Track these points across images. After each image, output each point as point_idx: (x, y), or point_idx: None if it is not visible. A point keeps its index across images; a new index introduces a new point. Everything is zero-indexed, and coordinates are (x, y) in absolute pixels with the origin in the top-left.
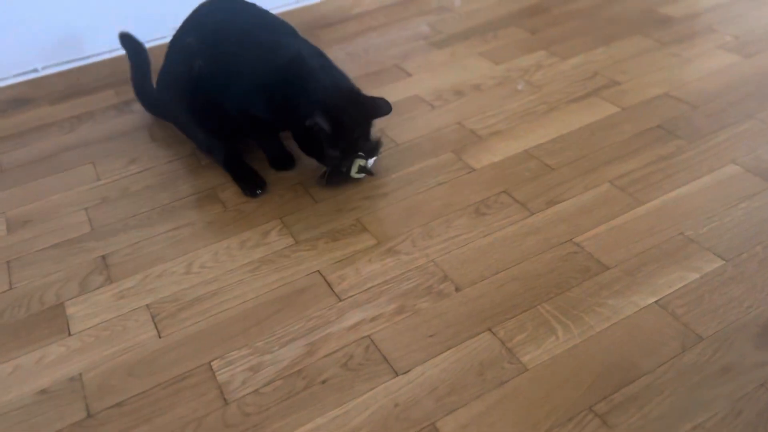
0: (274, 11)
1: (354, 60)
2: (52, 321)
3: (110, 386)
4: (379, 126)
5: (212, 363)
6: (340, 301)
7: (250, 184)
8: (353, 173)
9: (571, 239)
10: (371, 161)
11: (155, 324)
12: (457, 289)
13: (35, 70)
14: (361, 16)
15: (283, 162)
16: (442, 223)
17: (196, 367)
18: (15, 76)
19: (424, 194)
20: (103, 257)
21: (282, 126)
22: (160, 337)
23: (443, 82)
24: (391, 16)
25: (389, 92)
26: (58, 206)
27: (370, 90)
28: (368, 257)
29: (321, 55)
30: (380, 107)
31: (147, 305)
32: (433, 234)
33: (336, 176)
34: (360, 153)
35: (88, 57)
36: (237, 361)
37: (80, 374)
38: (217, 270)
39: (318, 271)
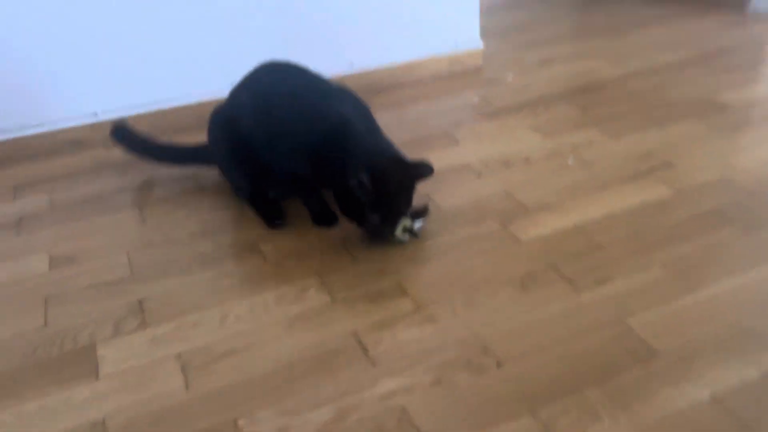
0: (329, 76)
1: (403, 125)
2: (83, 362)
3: None
4: (424, 191)
5: (238, 421)
6: (375, 366)
7: (270, 216)
8: (398, 234)
9: (620, 320)
10: (417, 224)
11: (184, 374)
12: (498, 365)
13: (95, 114)
14: (413, 84)
15: (326, 218)
16: (486, 293)
17: (221, 423)
18: (75, 119)
19: (468, 262)
20: (140, 301)
21: (324, 185)
22: (187, 389)
23: (491, 152)
24: (443, 86)
25: (436, 158)
26: (101, 247)
27: (417, 154)
28: (406, 322)
29: (367, 118)
30: (422, 170)
31: (178, 354)
32: (476, 304)
33: (378, 237)
34: (405, 215)
35: (144, 105)
36: (263, 421)
37: (104, 420)
38: (252, 323)
39: (354, 332)
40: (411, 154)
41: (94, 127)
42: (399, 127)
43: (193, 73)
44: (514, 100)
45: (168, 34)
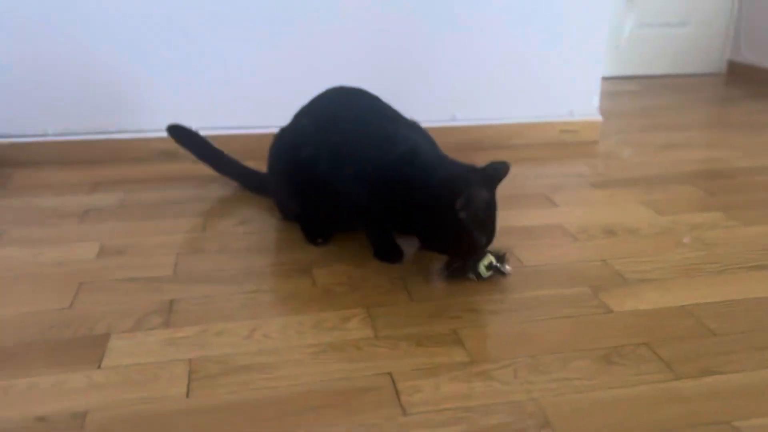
0: (427, 126)
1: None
2: (90, 349)
3: None
4: (506, 243)
5: None
6: (405, 414)
7: (313, 232)
8: (481, 268)
9: (728, 422)
10: (504, 266)
11: (189, 381)
12: None
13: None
14: (518, 147)
15: (390, 253)
16: (558, 360)
17: None
18: None
19: (544, 323)
20: (171, 301)
21: (393, 220)
22: (188, 397)
23: (593, 219)
24: (549, 152)
25: (528, 216)
26: (154, 246)
27: (507, 210)
28: (454, 374)
29: (435, 147)
30: (501, 170)
31: (190, 359)
32: (543, 369)
33: (460, 271)
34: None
35: (240, 128)
36: None
37: (86, 412)
38: (280, 343)
39: (389, 373)
40: (510, 209)
41: None
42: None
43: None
44: (628, 174)
45: (275, 69)
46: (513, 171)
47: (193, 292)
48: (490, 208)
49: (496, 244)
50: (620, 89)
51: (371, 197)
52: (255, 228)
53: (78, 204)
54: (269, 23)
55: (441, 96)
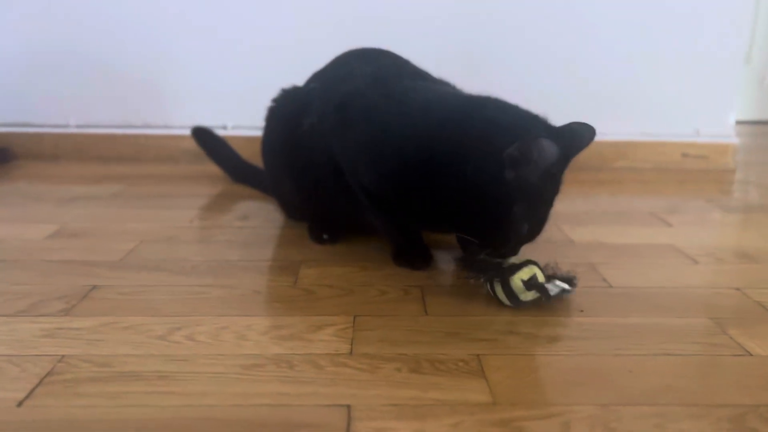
0: None
1: (601, 199)
2: None
3: None
4: (586, 258)
5: None
6: None
7: (318, 228)
8: (516, 282)
9: None
10: (556, 286)
11: (37, 385)
12: None
13: (224, 127)
14: (623, 170)
15: (413, 256)
16: (650, 417)
17: None
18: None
19: (630, 360)
20: (93, 287)
21: (417, 206)
22: (19, 406)
23: (722, 242)
24: (668, 173)
25: (625, 233)
26: (119, 233)
27: (609, 226)
28: (459, 419)
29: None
30: (581, 133)
31: (62, 356)
32: (620, 427)
33: (479, 269)
34: (533, 261)
35: None
36: None
37: None
38: (204, 348)
39: (348, 406)
40: (601, 225)
41: None
42: (595, 200)
43: None
44: None
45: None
46: (622, 187)
47: (129, 280)
48: (551, 182)
49: (564, 256)
50: (763, 140)
51: (389, 175)
52: (255, 223)
53: (68, 193)
54: (306, 24)
55: (532, 101)
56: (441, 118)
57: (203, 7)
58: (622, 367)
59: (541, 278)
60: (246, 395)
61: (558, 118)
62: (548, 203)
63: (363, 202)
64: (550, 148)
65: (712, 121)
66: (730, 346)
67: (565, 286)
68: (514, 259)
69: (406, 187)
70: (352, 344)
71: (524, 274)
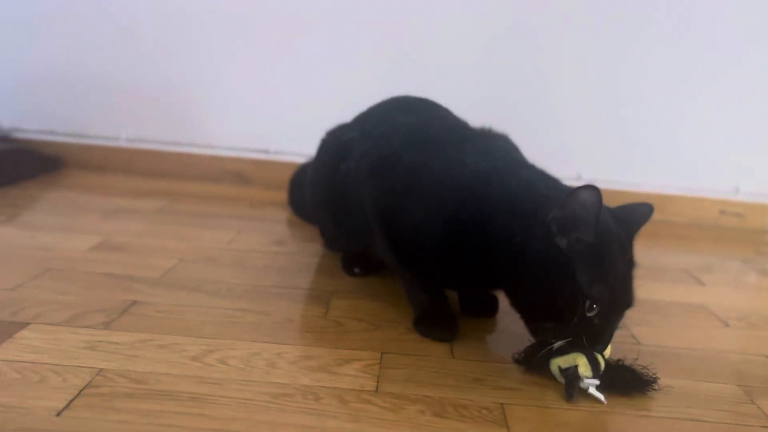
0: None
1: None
2: None
3: None
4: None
5: None
6: None
7: (350, 260)
8: (552, 369)
9: None
10: (592, 384)
11: (76, 396)
12: None
13: (266, 152)
14: (657, 223)
15: (438, 324)
16: None
17: None
18: (246, 151)
19: (657, 422)
20: (133, 302)
21: (456, 267)
22: (58, 415)
23: (755, 306)
24: (703, 231)
25: (658, 290)
26: (159, 249)
27: (641, 279)
28: None
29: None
30: (642, 210)
31: (101, 369)
32: None
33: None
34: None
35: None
36: None
37: None
38: (234, 373)
39: None
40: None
41: (262, 164)
42: None
43: None
44: None
45: (357, 101)
46: (648, 245)
47: (167, 298)
48: (619, 247)
49: None
50: None
51: (425, 229)
52: (290, 249)
53: (113, 205)
54: (347, 65)
55: (563, 147)
56: (495, 188)
57: (251, 43)
58: (647, 428)
59: (585, 371)
60: (273, 424)
61: (597, 170)
62: (627, 271)
63: (390, 258)
64: (591, 196)
65: (752, 179)
66: (758, 416)
67: (598, 395)
68: (564, 343)
69: (457, 251)
70: (378, 381)
71: (563, 361)
